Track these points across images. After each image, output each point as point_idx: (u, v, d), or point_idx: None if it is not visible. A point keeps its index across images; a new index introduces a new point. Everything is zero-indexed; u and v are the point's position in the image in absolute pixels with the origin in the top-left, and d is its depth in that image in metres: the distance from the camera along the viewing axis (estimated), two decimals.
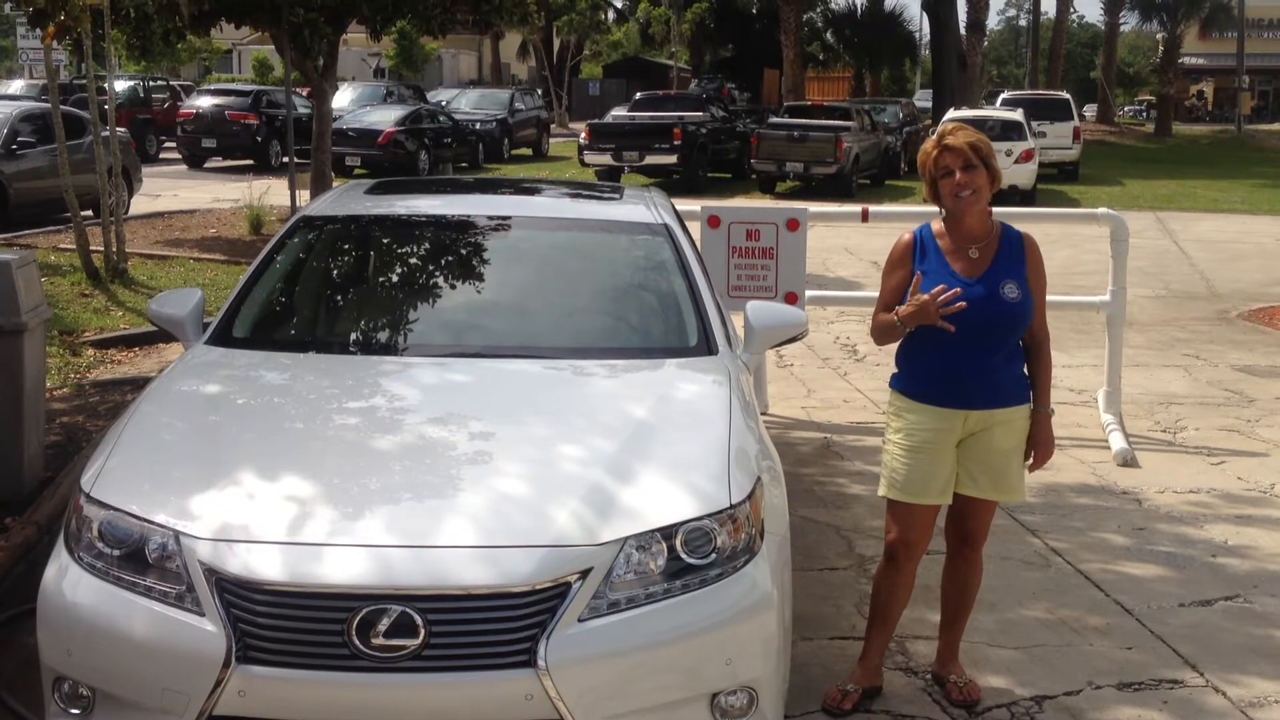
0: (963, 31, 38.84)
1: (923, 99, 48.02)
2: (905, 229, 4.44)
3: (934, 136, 4.28)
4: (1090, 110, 54.78)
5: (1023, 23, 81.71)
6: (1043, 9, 57.33)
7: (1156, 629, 5.12)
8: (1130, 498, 6.79)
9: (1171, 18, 51.11)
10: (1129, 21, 56.37)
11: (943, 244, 4.28)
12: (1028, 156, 23.50)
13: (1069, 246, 16.88)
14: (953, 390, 4.24)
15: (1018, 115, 25.20)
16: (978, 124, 24.52)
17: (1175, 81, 52.77)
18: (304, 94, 25.03)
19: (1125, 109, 71.88)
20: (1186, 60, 59.50)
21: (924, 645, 4.78)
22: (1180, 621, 5.21)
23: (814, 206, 7.91)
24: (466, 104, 34.86)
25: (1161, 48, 54.09)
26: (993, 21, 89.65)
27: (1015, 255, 4.28)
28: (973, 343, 4.18)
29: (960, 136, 4.20)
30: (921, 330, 4.21)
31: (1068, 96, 31.76)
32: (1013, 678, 4.68)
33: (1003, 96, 33.65)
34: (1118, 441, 7.58)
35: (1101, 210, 8.26)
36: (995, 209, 8.33)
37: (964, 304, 4.08)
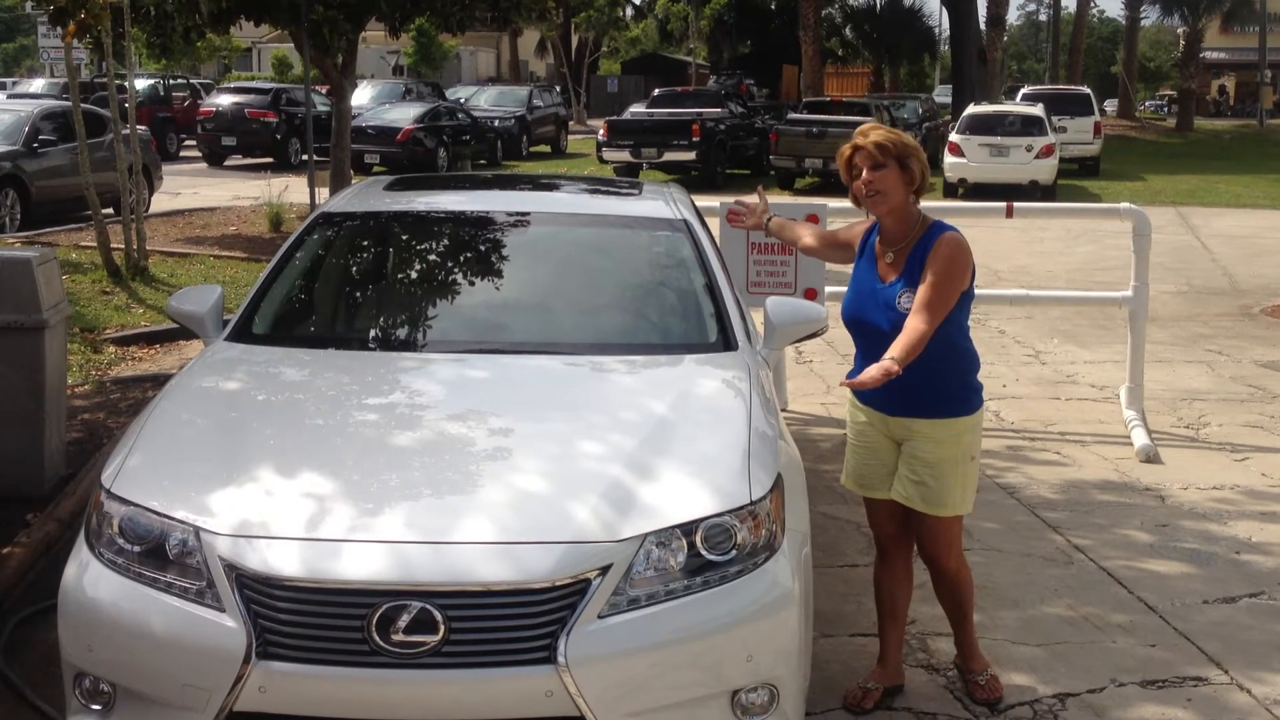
0: (983, 26, 38.71)
1: (943, 95, 47.89)
2: None
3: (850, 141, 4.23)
4: (1111, 105, 54.52)
5: (1043, 17, 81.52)
6: (1063, 3, 57.18)
7: (1180, 626, 5.09)
8: (1153, 494, 6.74)
9: (1193, 12, 50.80)
10: (1150, 16, 56.08)
11: (877, 245, 4.28)
12: (1048, 151, 23.42)
13: (1090, 242, 16.83)
14: (869, 392, 4.22)
15: (1038, 110, 25.11)
16: (998, 119, 24.67)
17: (1196, 76, 52.46)
18: (323, 92, 25.12)
19: (1146, 104, 71.55)
20: (1208, 55, 59.13)
21: (945, 643, 4.75)
22: (1204, 619, 5.17)
23: (833, 202, 7.86)
24: (485, 101, 34.91)
25: (1183, 42, 53.78)
26: (1013, 16, 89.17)
27: (924, 258, 4.11)
28: (879, 348, 4.06)
29: (869, 136, 4.13)
30: (845, 325, 4.36)
31: (1088, 91, 31.66)
32: (1035, 675, 4.65)
33: (1023, 92, 33.54)
34: (1140, 438, 7.54)
35: (1123, 205, 8.22)
36: (1017, 204, 8.30)
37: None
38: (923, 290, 4.03)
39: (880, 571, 4.51)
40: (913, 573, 4.53)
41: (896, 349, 3.90)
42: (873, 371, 3.86)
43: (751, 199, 4.86)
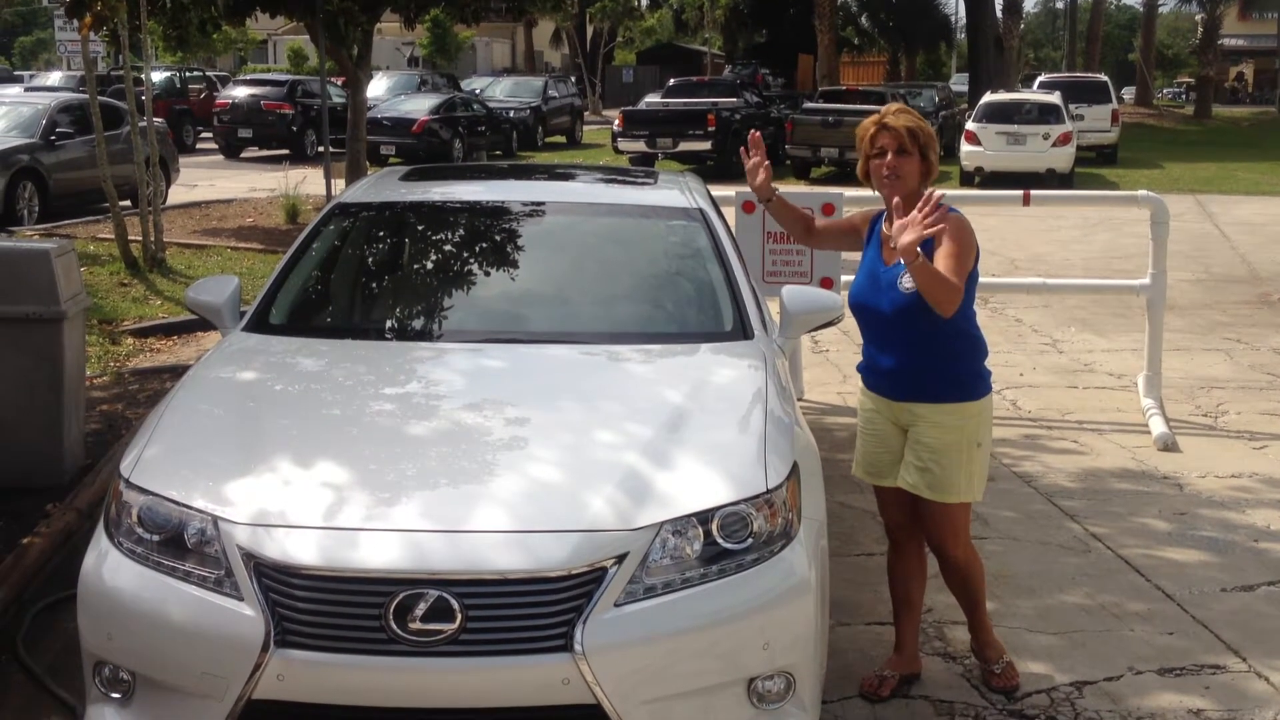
0: (999, 14, 38.57)
1: (959, 83, 47.70)
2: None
3: (874, 116, 4.20)
4: (1129, 93, 54.24)
5: (1060, 5, 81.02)
6: None
7: (1198, 614, 5.07)
8: (1171, 482, 6.72)
9: None
10: (1167, 3, 56.12)
11: (883, 229, 4.26)
12: (1065, 139, 23.32)
13: (1108, 230, 16.76)
14: (875, 379, 4.29)
15: (1055, 98, 25.00)
16: (1015, 107, 24.58)
17: (1215, 63, 52.13)
18: (339, 83, 25.13)
19: (1164, 91, 71.18)
20: (1226, 42, 58.79)
21: (962, 631, 4.75)
22: (1222, 607, 5.16)
23: (850, 191, 7.85)
24: (500, 92, 34.95)
25: (1201, 29, 53.46)
26: (1029, 4, 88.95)
27: (928, 242, 4.06)
28: (883, 334, 4.17)
29: (901, 119, 4.13)
30: (852, 311, 4.35)
31: (1106, 79, 31.52)
32: (1052, 663, 4.64)
33: (1040, 79, 33.40)
34: (1158, 426, 7.51)
35: (1141, 193, 8.17)
36: (1034, 192, 8.28)
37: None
38: (941, 258, 3.98)
39: (893, 561, 4.52)
40: (925, 561, 4.53)
41: (929, 266, 3.87)
42: (907, 236, 3.78)
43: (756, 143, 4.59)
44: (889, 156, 4.10)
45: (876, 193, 4.26)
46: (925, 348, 4.09)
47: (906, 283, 4.08)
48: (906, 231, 3.81)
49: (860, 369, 4.42)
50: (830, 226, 4.71)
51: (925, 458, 4.19)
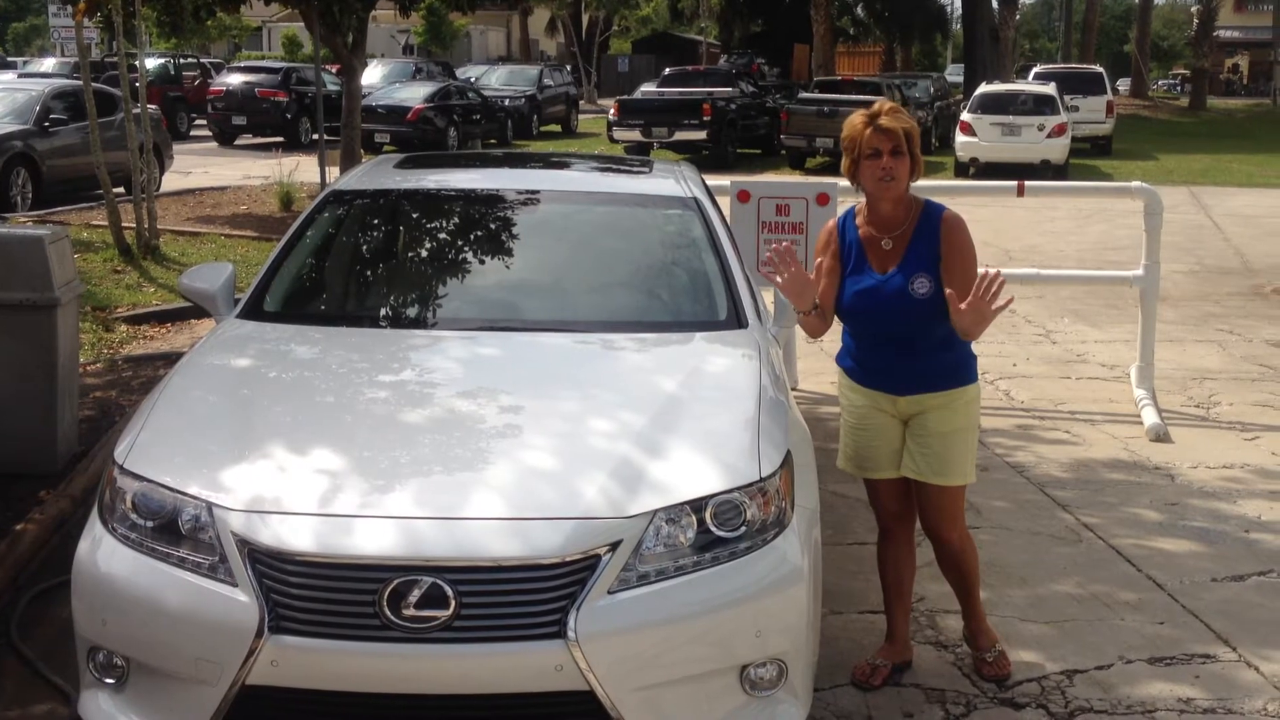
0: (995, 5, 38.58)
1: (954, 74, 47.72)
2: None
3: (865, 113, 4.16)
4: (1124, 84, 54.27)
5: None
6: None
7: (1189, 604, 5.09)
8: (1163, 473, 6.74)
9: None
10: None
11: (863, 233, 4.24)
12: (1060, 131, 23.33)
13: (1102, 221, 16.78)
14: (876, 377, 4.26)
15: (1050, 89, 25.00)
16: (1010, 98, 24.59)
17: (1210, 55, 52.15)
18: (333, 71, 25.10)
19: (1159, 83, 71.17)
20: (1222, 33, 58.79)
21: (953, 620, 4.76)
22: (1213, 596, 5.18)
23: (844, 181, 7.85)
24: (495, 80, 34.92)
25: (1196, 20, 53.45)
26: None
27: (930, 241, 4.14)
28: (888, 337, 4.18)
29: (894, 120, 4.11)
30: (847, 321, 4.31)
31: (1101, 70, 31.53)
32: (1043, 652, 4.66)
33: (1035, 70, 33.35)
34: (1150, 417, 7.53)
35: (1135, 184, 8.19)
36: (1029, 183, 8.29)
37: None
38: (958, 273, 4.08)
39: (884, 551, 4.53)
40: (914, 549, 4.55)
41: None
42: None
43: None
44: (884, 158, 4.09)
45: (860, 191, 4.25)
46: (933, 342, 4.14)
47: (919, 287, 4.09)
48: (975, 316, 3.93)
49: (848, 366, 4.38)
50: (826, 281, 4.32)
51: (933, 444, 4.21)
